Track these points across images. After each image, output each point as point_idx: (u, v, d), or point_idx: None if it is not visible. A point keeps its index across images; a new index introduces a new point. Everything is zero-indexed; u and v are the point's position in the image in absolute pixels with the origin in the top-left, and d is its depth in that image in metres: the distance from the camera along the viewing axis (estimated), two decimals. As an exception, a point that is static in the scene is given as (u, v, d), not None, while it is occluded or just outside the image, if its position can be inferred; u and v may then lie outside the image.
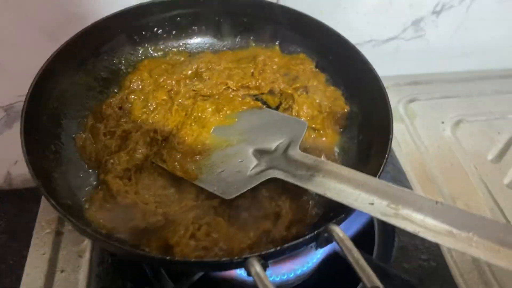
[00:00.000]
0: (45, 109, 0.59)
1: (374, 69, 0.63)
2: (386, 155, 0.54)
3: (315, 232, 0.47)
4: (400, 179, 0.74)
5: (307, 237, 0.47)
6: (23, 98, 0.72)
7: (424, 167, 0.74)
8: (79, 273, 0.60)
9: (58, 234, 0.64)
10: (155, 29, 0.73)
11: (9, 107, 0.84)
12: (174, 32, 0.75)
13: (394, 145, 0.75)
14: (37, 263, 0.60)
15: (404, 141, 0.78)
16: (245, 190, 0.55)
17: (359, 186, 0.50)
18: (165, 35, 0.74)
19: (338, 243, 0.46)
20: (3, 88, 0.81)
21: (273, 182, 0.56)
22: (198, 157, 0.61)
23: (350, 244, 0.46)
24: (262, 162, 0.58)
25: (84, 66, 0.67)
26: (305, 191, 0.58)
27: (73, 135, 0.62)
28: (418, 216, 0.46)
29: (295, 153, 0.57)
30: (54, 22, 0.74)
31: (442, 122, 0.80)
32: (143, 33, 0.73)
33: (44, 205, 0.67)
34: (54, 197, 0.49)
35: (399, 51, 0.92)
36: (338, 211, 0.50)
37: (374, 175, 0.51)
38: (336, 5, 0.82)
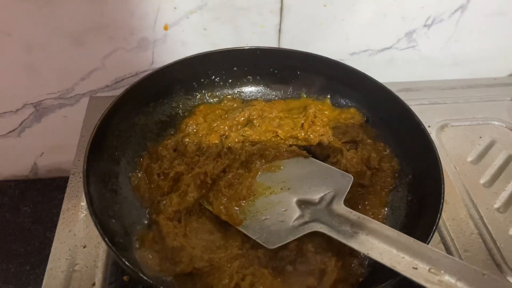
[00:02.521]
0: (106, 148, 0.63)
1: (427, 131, 0.64)
2: (436, 222, 0.53)
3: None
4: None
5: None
6: (51, 96, 0.87)
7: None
8: (99, 248, 0.65)
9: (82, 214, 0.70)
10: (213, 77, 0.77)
11: (38, 104, 0.93)
12: (230, 80, 0.78)
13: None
14: (63, 239, 0.66)
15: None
16: (287, 241, 0.56)
17: (403, 249, 0.50)
18: (221, 83, 0.78)
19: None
20: (34, 87, 0.90)
21: (319, 236, 0.56)
22: (243, 202, 0.62)
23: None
24: (306, 214, 0.59)
25: (145, 109, 0.71)
26: (351, 249, 0.58)
27: (129, 174, 0.66)
28: (463, 286, 0.45)
29: (339, 207, 0.58)
30: (81, 29, 0.82)
31: (429, 126, 0.85)
32: (201, 80, 0.77)
33: (70, 188, 0.73)
34: (108, 235, 0.52)
35: (394, 60, 0.98)
36: (385, 273, 0.50)
37: (423, 240, 0.51)
38: (333, 18, 0.88)
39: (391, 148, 0.70)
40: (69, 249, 0.65)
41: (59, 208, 0.70)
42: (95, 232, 0.66)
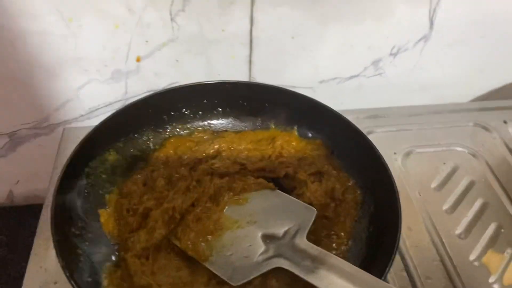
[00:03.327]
0: (75, 187, 0.65)
1: (384, 161, 0.66)
2: (392, 257, 0.55)
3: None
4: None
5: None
6: (26, 126, 0.90)
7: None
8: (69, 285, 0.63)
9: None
10: (183, 109, 0.79)
11: (12, 134, 0.95)
12: (200, 112, 0.80)
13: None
14: (33, 276, 0.67)
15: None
16: (251, 277, 0.57)
17: (361, 285, 0.52)
18: (192, 115, 0.80)
19: None
20: (8, 117, 0.92)
21: (283, 271, 0.58)
22: (210, 237, 0.64)
23: None
24: (270, 249, 0.61)
25: (116, 144, 0.73)
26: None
27: (98, 210, 0.67)
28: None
29: (302, 242, 0.60)
30: (55, 61, 0.84)
31: (395, 153, 0.87)
32: (172, 113, 0.78)
33: (42, 221, 0.74)
34: (76, 275, 0.53)
35: (362, 87, 1.01)
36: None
37: (379, 275, 0.53)
38: (302, 49, 0.91)
39: (354, 179, 0.72)
40: (40, 286, 0.65)
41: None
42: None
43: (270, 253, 0.60)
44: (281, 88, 0.78)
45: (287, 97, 0.78)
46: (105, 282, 0.59)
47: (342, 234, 0.67)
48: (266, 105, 0.80)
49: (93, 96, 0.93)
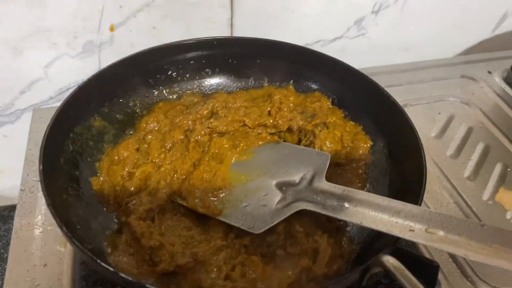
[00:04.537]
0: (61, 152, 0.57)
1: (398, 104, 0.63)
2: (423, 185, 0.52)
3: (366, 264, 0.44)
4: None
5: (358, 269, 0.44)
6: None
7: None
8: (62, 265, 0.58)
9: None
10: (170, 72, 0.73)
11: None
12: (188, 74, 0.75)
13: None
14: (19, 260, 0.59)
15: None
16: (274, 223, 0.52)
17: (396, 213, 0.48)
18: (179, 78, 0.74)
19: (394, 274, 0.43)
20: None
21: (305, 215, 0.54)
22: (218, 193, 0.58)
23: (408, 274, 0.43)
24: (288, 195, 0.56)
25: (99, 109, 0.66)
26: (339, 225, 0.56)
27: (89, 179, 0.60)
28: (463, 240, 0.44)
29: (322, 183, 0.55)
30: (18, 35, 0.76)
31: None
32: (158, 76, 0.72)
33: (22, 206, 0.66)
34: (77, 239, 0.46)
35: (345, 49, 0.99)
36: (378, 246, 0.48)
37: (414, 202, 0.49)
38: (285, 9, 0.87)
39: (362, 125, 0.68)
40: (27, 270, 0.57)
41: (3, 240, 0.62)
42: (55, 249, 0.60)
43: (289, 199, 0.55)
44: (272, 40, 0.74)
45: (279, 50, 0.74)
46: (108, 249, 0.52)
47: (357, 181, 0.63)
48: (258, 61, 0.75)
49: (63, 74, 0.85)
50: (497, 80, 0.94)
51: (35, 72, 0.83)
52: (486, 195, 0.71)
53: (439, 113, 0.86)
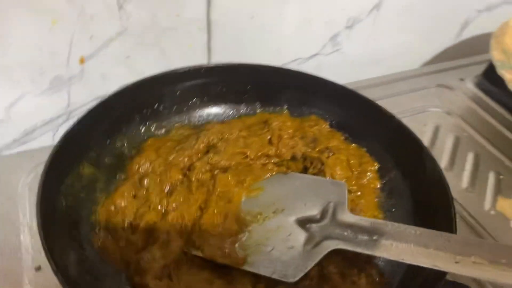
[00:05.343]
0: (56, 210, 0.51)
1: (403, 122, 0.62)
2: (452, 209, 0.50)
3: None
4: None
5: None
6: None
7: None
8: None
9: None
10: (156, 105, 0.68)
11: None
12: (175, 106, 0.69)
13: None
14: None
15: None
16: (308, 268, 0.48)
17: (436, 245, 0.46)
18: (166, 111, 0.69)
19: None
20: None
21: (334, 254, 0.50)
22: (236, 238, 0.54)
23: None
24: (314, 233, 0.52)
25: (88, 154, 0.59)
26: (369, 259, 0.53)
27: (88, 236, 0.53)
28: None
29: (347, 216, 0.53)
30: None
31: None
32: (143, 111, 0.67)
33: None
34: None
35: (321, 66, 0.99)
36: (422, 275, 0.46)
37: (448, 230, 0.48)
38: (262, 30, 0.85)
39: (365, 148, 0.67)
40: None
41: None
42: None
43: (317, 237, 0.51)
44: (263, 65, 0.70)
45: (270, 74, 0.70)
46: (127, 319, 0.46)
47: (372, 206, 0.61)
48: (249, 86, 0.71)
49: (27, 114, 0.77)
50: (470, 86, 0.97)
51: (-5, 114, 0.74)
52: (487, 205, 0.72)
53: (425, 125, 0.86)
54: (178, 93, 0.69)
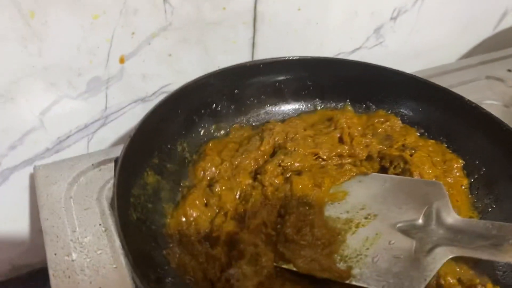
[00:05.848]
0: (129, 224, 0.44)
1: (490, 113, 0.57)
2: None
3: None
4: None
5: None
6: None
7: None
8: None
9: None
10: (214, 105, 0.62)
11: None
12: (232, 106, 0.63)
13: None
14: None
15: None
16: (428, 280, 0.43)
17: None
18: (224, 111, 0.63)
19: None
20: None
21: (447, 261, 0.45)
22: (331, 248, 0.48)
23: None
24: (422, 240, 0.46)
25: (151, 161, 0.53)
26: (490, 266, 0.47)
27: (163, 252, 0.47)
28: None
29: (456, 220, 0.47)
30: (10, 78, 0.61)
31: None
32: (202, 111, 0.61)
33: None
34: None
35: (363, 59, 0.93)
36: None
37: None
38: (308, 23, 0.80)
39: (446, 144, 0.61)
40: None
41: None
42: None
43: (429, 244, 0.46)
44: (323, 58, 0.65)
45: (332, 68, 0.65)
46: None
47: (465, 206, 0.55)
48: (308, 82, 0.66)
49: (62, 119, 0.70)
50: (519, 77, 0.92)
51: (28, 121, 0.67)
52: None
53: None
54: (236, 91, 0.63)
